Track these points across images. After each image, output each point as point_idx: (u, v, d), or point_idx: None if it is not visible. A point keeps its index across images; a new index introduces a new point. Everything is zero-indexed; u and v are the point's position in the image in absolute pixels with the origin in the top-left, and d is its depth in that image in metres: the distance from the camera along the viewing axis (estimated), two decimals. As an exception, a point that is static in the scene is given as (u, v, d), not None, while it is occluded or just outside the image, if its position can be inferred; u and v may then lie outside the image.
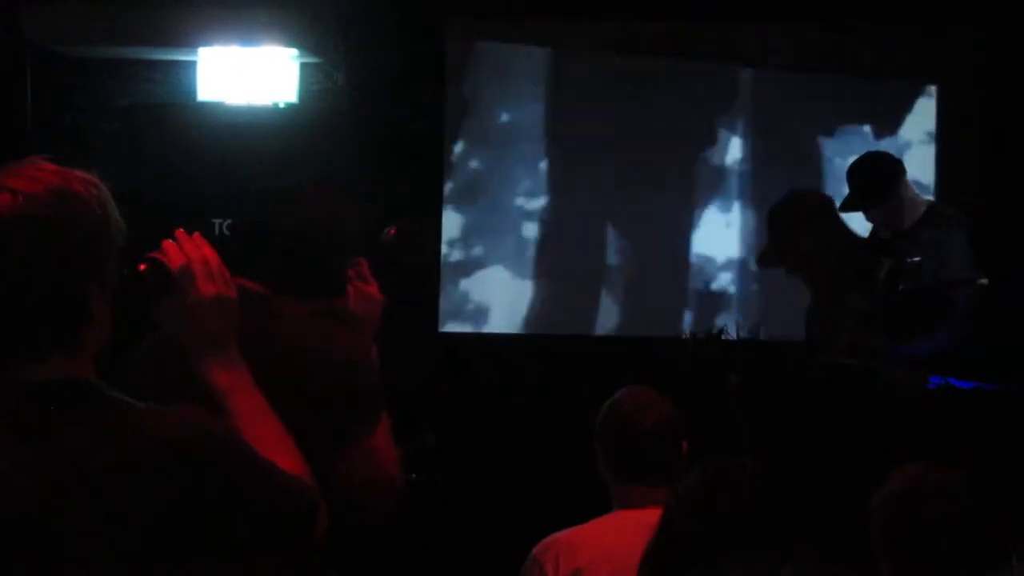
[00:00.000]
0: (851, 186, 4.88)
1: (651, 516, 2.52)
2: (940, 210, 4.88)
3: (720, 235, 6.04)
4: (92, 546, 1.61)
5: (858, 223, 5.03)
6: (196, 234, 1.97)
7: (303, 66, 5.74)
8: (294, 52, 5.61)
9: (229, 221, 5.25)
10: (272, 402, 1.96)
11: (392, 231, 2.72)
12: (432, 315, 5.99)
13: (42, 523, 1.61)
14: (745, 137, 6.03)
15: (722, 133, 6.02)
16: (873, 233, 4.91)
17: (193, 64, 5.69)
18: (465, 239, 6.04)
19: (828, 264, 5.01)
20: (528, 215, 6.04)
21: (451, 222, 6.02)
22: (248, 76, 5.60)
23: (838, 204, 4.97)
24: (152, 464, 1.65)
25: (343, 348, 2.49)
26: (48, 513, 1.61)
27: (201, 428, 1.73)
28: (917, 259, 4.62)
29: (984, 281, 4.52)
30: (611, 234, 6.05)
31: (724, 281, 6.05)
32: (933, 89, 6.01)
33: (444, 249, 6.01)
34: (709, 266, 6.05)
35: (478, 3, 6.04)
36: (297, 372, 2.36)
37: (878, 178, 4.77)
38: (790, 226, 5.03)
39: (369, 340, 2.62)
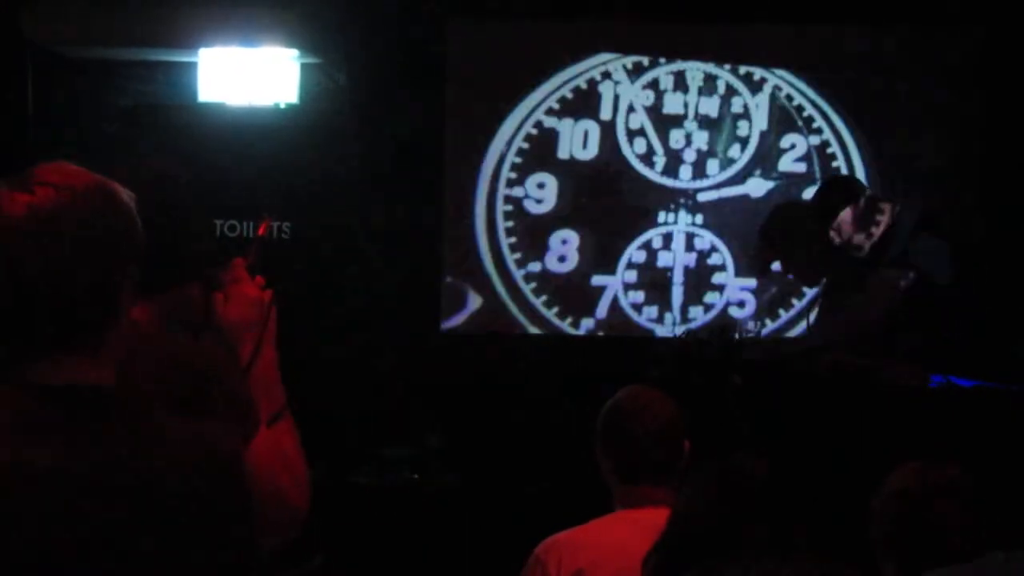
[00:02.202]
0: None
1: (653, 516, 2.52)
2: (913, 217, 4.91)
3: (721, 235, 6.04)
4: (97, 557, 1.60)
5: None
6: None
7: (304, 66, 5.74)
8: (295, 52, 5.61)
9: (231, 222, 5.26)
10: None
11: (263, 227, 2.52)
12: (434, 315, 5.99)
13: (50, 530, 1.59)
14: (745, 136, 6.02)
15: (722, 132, 6.02)
16: (842, 248, 4.93)
17: (194, 65, 5.69)
18: (466, 239, 6.03)
19: (823, 269, 5.04)
20: (529, 215, 6.03)
21: (452, 222, 6.02)
22: (249, 77, 5.59)
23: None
24: (164, 478, 1.64)
25: (187, 357, 2.22)
26: (55, 518, 1.60)
27: (214, 447, 1.72)
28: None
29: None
30: (612, 233, 6.05)
31: (727, 281, 6.04)
32: (933, 88, 6.00)
33: (445, 249, 6.01)
34: (711, 266, 6.04)
35: (479, 3, 6.05)
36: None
37: (819, 203, 4.90)
38: (781, 239, 5.07)
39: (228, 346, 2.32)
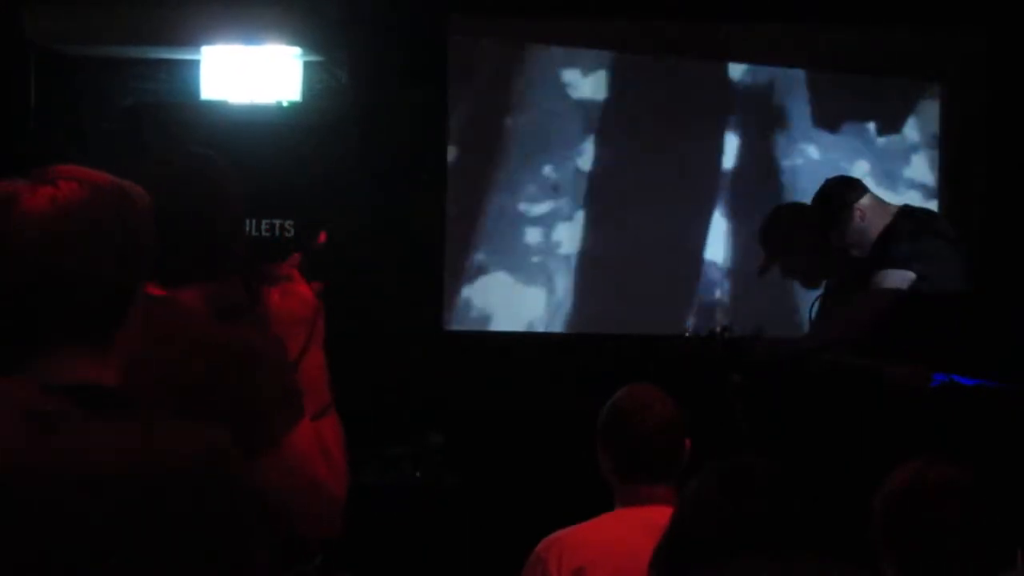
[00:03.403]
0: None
1: (653, 514, 2.52)
2: (915, 218, 4.88)
3: (724, 234, 6.04)
4: (91, 558, 1.58)
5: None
6: None
7: (306, 64, 5.74)
8: (297, 50, 5.61)
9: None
10: (174, 402, 1.95)
11: (322, 237, 2.58)
12: (437, 314, 5.99)
13: (44, 530, 1.58)
14: (749, 135, 6.02)
15: (726, 131, 6.02)
16: (843, 248, 4.91)
17: (196, 63, 5.69)
18: (469, 238, 6.04)
19: (823, 271, 5.03)
20: (531, 215, 6.03)
21: (455, 221, 6.02)
22: (251, 75, 5.59)
23: None
24: (161, 480, 1.63)
25: (240, 341, 2.24)
26: (49, 517, 1.59)
27: (215, 449, 1.70)
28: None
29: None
30: (615, 233, 6.05)
31: (727, 280, 6.04)
32: (937, 87, 6.00)
33: (447, 248, 6.01)
34: (712, 265, 6.04)
35: (481, 1, 6.04)
36: (191, 367, 2.16)
37: (819, 205, 4.88)
38: (780, 243, 5.06)
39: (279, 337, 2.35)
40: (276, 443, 2.18)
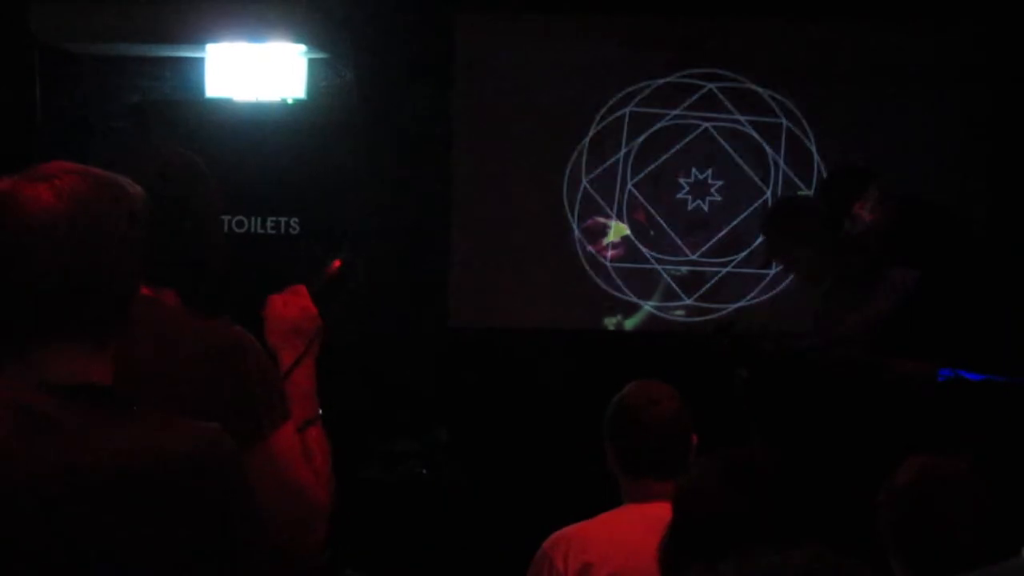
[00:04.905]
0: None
1: (660, 510, 2.52)
2: (921, 213, 4.88)
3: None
4: (87, 556, 1.59)
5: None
6: None
7: (311, 62, 5.74)
8: (302, 48, 5.61)
9: (239, 218, 5.27)
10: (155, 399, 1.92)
11: (336, 264, 2.57)
12: (442, 310, 5.99)
13: (49, 526, 1.58)
14: (753, 133, 6.01)
15: (729, 130, 6.01)
16: (854, 237, 4.90)
17: (201, 61, 5.69)
18: (474, 235, 6.04)
19: (828, 266, 5.02)
20: (537, 211, 6.03)
21: (460, 218, 6.02)
22: (256, 72, 5.59)
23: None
24: (162, 475, 1.64)
25: (226, 335, 2.20)
26: (56, 516, 1.59)
27: (212, 443, 1.71)
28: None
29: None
30: (618, 229, 6.05)
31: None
32: (939, 87, 5.98)
33: (452, 245, 6.01)
34: (716, 264, 6.04)
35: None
36: (174, 366, 2.13)
37: (824, 197, 4.87)
38: (784, 237, 5.04)
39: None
40: (263, 438, 2.15)
